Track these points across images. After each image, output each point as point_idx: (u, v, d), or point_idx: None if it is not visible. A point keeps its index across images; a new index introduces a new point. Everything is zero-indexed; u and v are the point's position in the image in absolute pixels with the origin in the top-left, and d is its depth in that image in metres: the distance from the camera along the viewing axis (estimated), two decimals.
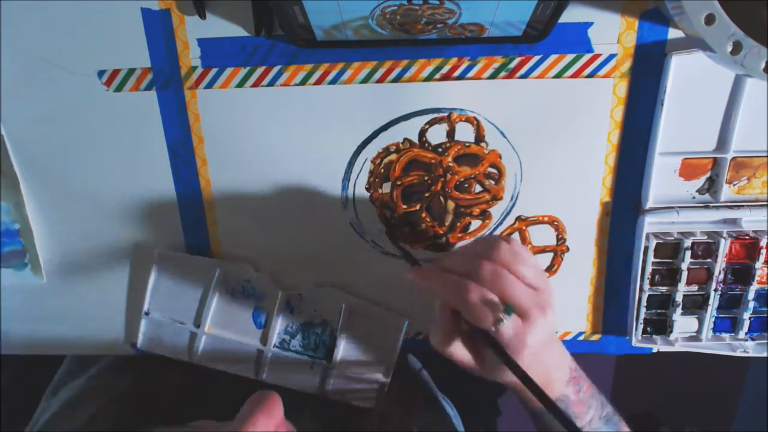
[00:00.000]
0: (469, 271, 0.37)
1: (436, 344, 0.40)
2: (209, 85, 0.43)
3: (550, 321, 0.37)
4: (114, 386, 0.52)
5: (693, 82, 0.42)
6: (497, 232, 0.47)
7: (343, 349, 0.49)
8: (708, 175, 0.45)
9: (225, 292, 0.49)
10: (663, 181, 0.45)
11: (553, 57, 0.42)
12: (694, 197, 0.46)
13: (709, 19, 0.33)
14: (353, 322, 0.49)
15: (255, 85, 0.43)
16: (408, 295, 0.49)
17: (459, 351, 0.39)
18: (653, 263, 0.46)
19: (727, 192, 0.45)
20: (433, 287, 0.38)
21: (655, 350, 0.50)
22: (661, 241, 0.46)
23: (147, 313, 0.49)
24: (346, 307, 0.48)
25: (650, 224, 0.45)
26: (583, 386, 0.43)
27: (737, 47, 0.33)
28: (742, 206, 0.45)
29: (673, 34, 0.41)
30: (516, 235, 0.47)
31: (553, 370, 0.41)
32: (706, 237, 0.46)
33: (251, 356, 0.50)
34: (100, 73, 0.43)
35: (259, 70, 0.42)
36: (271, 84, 0.43)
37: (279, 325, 0.49)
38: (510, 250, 0.37)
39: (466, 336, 0.39)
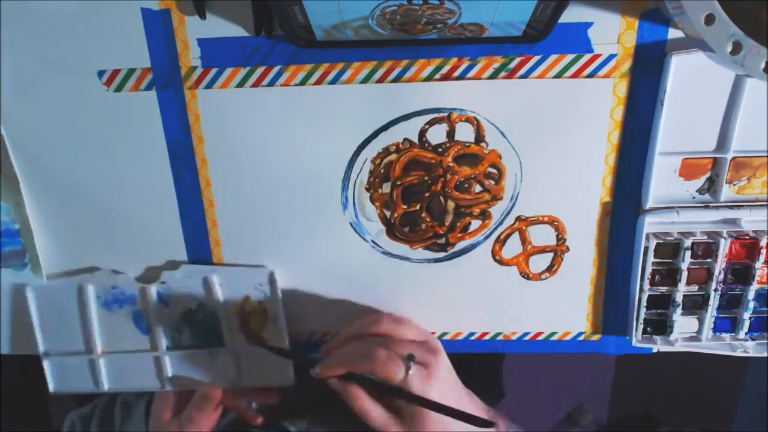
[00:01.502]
0: (362, 350, 0.43)
1: (359, 414, 0.43)
2: (209, 85, 0.43)
3: (445, 361, 0.44)
4: None
5: (693, 82, 0.42)
6: (497, 232, 0.47)
7: (230, 327, 0.47)
8: (708, 175, 0.45)
9: (100, 307, 0.46)
10: (663, 181, 0.45)
11: (553, 57, 0.42)
12: (694, 197, 0.46)
13: (709, 19, 0.33)
14: (223, 293, 0.46)
15: (255, 85, 0.43)
16: (410, 295, 0.49)
17: (378, 415, 0.43)
18: (653, 263, 0.46)
19: (727, 192, 0.45)
20: (342, 365, 0.43)
21: (655, 350, 0.50)
22: (661, 241, 0.46)
23: (46, 354, 0.47)
24: (206, 280, 0.46)
25: (650, 224, 0.45)
26: (499, 424, 0.48)
27: (737, 47, 0.33)
28: (742, 206, 0.45)
29: (673, 34, 0.41)
30: None
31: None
32: (706, 237, 0.46)
33: (152, 366, 0.47)
34: (100, 73, 0.43)
35: (259, 70, 0.42)
36: (271, 84, 0.43)
37: (160, 323, 0.47)
38: (387, 320, 0.45)
39: (378, 402, 0.43)
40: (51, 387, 0.48)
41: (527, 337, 0.51)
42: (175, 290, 0.46)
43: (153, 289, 0.46)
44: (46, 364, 0.47)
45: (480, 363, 0.74)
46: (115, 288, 0.46)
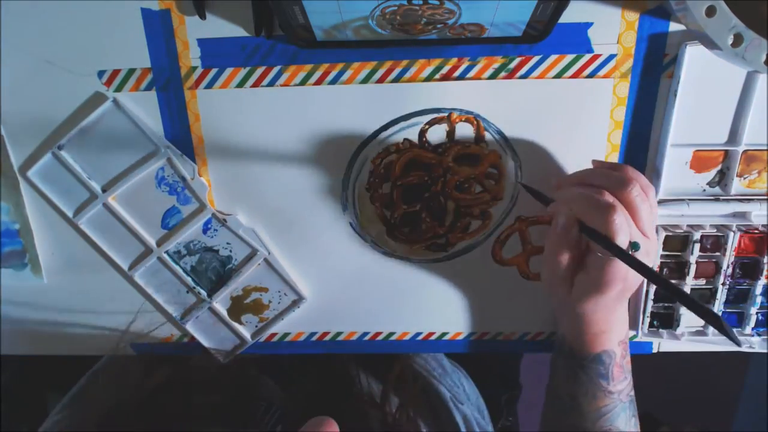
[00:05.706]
0: (614, 189, 0.37)
1: (551, 259, 0.40)
2: (209, 85, 0.43)
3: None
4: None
5: (705, 74, 0.41)
6: (497, 232, 0.47)
7: (230, 293, 0.49)
8: (719, 167, 0.45)
9: (153, 176, 0.45)
10: (674, 172, 0.44)
11: (553, 57, 0.42)
12: (704, 190, 0.45)
13: (710, 11, 0.33)
14: (259, 274, 0.48)
15: (255, 85, 0.43)
16: (410, 295, 0.49)
17: (563, 271, 0.40)
18: (662, 256, 0.46)
19: (737, 185, 0.45)
20: (574, 206, 0.38)
21: (655, 348, 0.50)
22: (670, 234, 0.46)
23: (60, 148, 0.44)
24: (261, 257, 0.47)
25: (660, 216, 0.45)
26: (627, 356, 0.45)
27: (738, 39, 0.33)
28: (752, 200, 0.45)
29: (673, 35, 0.41)
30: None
31: (617, 324, 0.43)
32: (715, 230, 0.46)
33: (136, 249, 0.47)
34: (100, 73, 0.43)
35: (259, 70, 0.42)
36: (271, 84, 0.43)
37: (185, 236, 0.46)
38: (636, 190, 0.37)
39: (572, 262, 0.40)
40: (30, 172, 0.45)
41: (527, 338, 0.51)
42: (225, 233, 0.47)
43: (209, 216, 0.46)
44: (47, 156, 0.44)
45: (501, 356, 0.75)
46: (183, 181, 0.45)
